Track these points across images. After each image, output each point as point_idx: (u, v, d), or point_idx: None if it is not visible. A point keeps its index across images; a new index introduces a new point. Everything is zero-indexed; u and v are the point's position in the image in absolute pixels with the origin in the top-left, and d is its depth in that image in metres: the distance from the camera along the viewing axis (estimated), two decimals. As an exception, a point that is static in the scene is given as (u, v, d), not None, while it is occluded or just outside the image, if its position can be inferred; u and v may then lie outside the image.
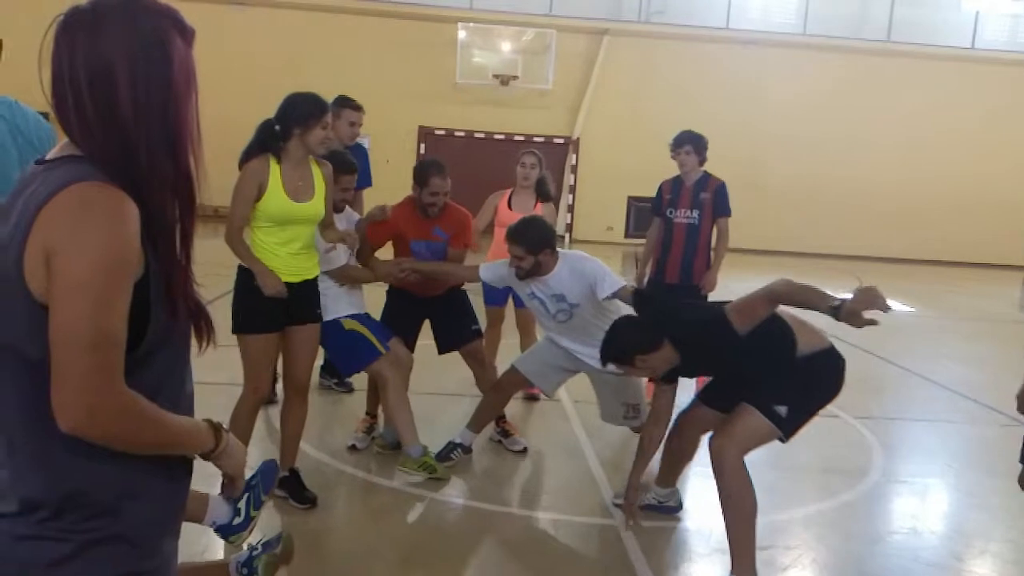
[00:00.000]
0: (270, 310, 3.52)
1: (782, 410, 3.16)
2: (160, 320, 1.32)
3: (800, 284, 3.13)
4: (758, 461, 4.85)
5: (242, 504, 2.26)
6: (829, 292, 3.02)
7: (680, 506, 3.95)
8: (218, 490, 2.20)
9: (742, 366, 3.31)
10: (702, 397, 3.65)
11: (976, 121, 18.07)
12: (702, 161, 5.76)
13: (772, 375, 3.23)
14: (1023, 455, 3.25)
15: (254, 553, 2.71)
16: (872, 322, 2.88)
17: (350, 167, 4.03)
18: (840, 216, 18.30)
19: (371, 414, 4.71)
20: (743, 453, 3.18)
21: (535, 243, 4.05)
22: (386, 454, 4.45)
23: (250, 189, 3.44)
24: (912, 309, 11.35)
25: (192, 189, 1.40)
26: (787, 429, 3.21)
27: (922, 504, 4.52)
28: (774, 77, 17.84)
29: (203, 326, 1.44)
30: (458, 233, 4.55)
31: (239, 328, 3.56)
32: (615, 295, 4.03)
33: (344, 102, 5.16)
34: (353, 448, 4.55)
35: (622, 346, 3.34)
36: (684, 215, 5.72)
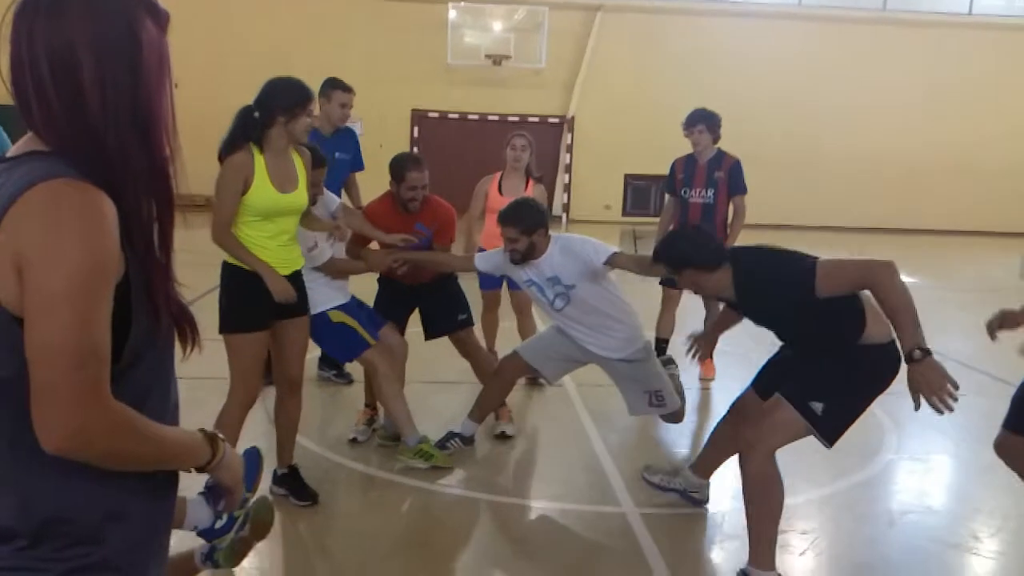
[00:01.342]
0: (262, 307, 3.40)
1: (818, 407, 2.95)
2: (142, 325, 1.22)
3: (905, 294, 2.75)
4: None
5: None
6: (922, 331, 2.70)
7: (707, 501, 3.79)
8: (195, 492, 2.08)
9: (799, 324, 3.07)
10: (756, 386, 3.46)
11: (975, 88, 17.91)
12: (716, 139, 5.69)
13: (823, 349, 3.04)
14: (1007, 419, 3.14)
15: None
16: (916, 402, 2.66)
17: (320, 161, 3.89)
18: (839, 187, 18.17)
19: (371, 406, 4.61)
20: (774, 448, 3.02)
21: (528, 224, 3.97)
22: (388, 446, 4.35)
23: (236, 184, 3.27)
24: (913, 279, 11.24)
25: (169, 184, 1.28)
26: (824, 429, 2.99)
27: (936, 482, 4.44)
28: (770, 50, 17.65)
29: (187, 329, 1.34)
30: (442, 229, 4.46)
31: (230, 328, 3.40)
32: (611, 262, 3.95)
33: (334, 84, 5.08)
34: (354, 441, 4.45)
35: (679, 252, 3.18)
36: (699, 195, 5.66)
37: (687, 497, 3.76)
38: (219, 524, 2.05)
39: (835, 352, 3.02)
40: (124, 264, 1.19)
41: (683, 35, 17.65)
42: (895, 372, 2.95)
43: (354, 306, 4.16)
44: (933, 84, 17.94)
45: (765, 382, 3.38)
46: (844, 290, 2.89)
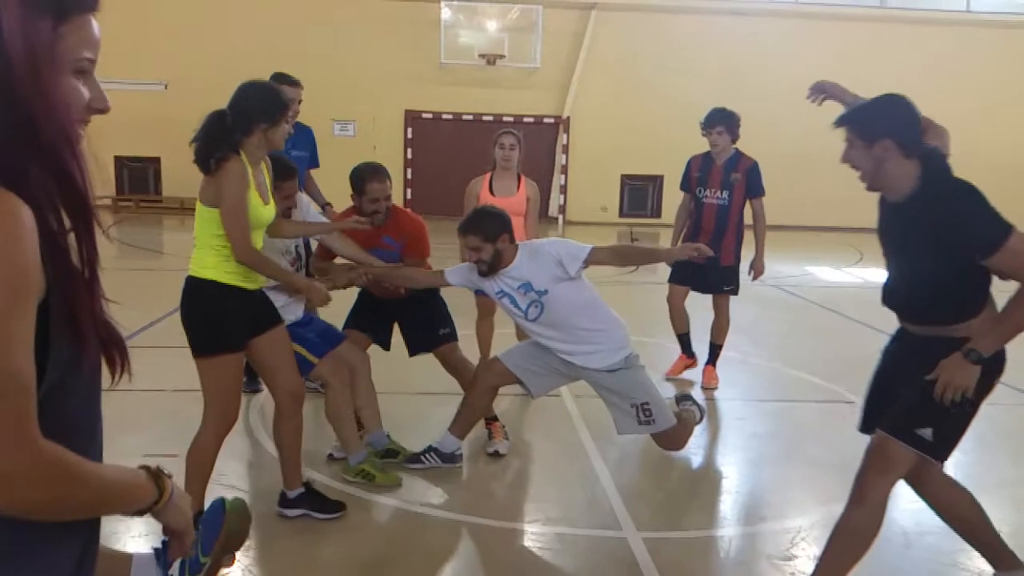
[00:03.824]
0: (238, 324, 3.20)
1: (926, 433, 2.68)
2: (64, 350, 1.05)
3: None
4: (772, 457, 4.56)
5: (175, 569, 1.62)
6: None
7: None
8: (147, 547, 1.78)
9: (924, 268, 2.72)
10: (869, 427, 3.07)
11: (973, 85, 17.74)
12: (734, 139, 5.56)
13: (930, 310, 2.76)
14: None
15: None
16: (933, 377, 2.64)
17: (291, 171, 3.70)
18: (838, 187, 17.81)
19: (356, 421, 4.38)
20: (889, 490, 2.81)
21: (491, 231, 3.79)
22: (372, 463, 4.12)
23: (244, 193, 3.05)
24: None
25: (80, 191, 1.09)
26: (937, 452, 2.75)
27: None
28: (767, 48, 17.47)
29: (115, 354, 1.16)
30: (411, 243, 4.26)
31: (209, 349, 3.15)
32: (591, 259, 3.77)
33: (281, 78, 4.90)
34: (331, 458, 4.24)
35: (887, 119, 2.72)
36: (714, 195, 5.55)
37: None
38: None
39: (940, 318, 2.73)
40: (45, 282, 1.02)
41: (679, 34, 17.45)
42: (1000, 371, 2.71)
43: (299, 326, 3.90)
44: (932, 82, 17.67)
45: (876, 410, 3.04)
46: (1006, 273, 2.60)
